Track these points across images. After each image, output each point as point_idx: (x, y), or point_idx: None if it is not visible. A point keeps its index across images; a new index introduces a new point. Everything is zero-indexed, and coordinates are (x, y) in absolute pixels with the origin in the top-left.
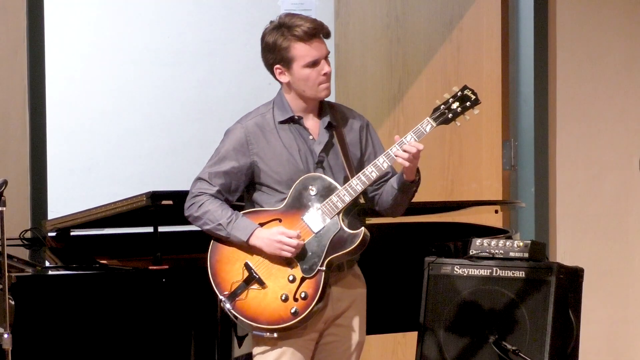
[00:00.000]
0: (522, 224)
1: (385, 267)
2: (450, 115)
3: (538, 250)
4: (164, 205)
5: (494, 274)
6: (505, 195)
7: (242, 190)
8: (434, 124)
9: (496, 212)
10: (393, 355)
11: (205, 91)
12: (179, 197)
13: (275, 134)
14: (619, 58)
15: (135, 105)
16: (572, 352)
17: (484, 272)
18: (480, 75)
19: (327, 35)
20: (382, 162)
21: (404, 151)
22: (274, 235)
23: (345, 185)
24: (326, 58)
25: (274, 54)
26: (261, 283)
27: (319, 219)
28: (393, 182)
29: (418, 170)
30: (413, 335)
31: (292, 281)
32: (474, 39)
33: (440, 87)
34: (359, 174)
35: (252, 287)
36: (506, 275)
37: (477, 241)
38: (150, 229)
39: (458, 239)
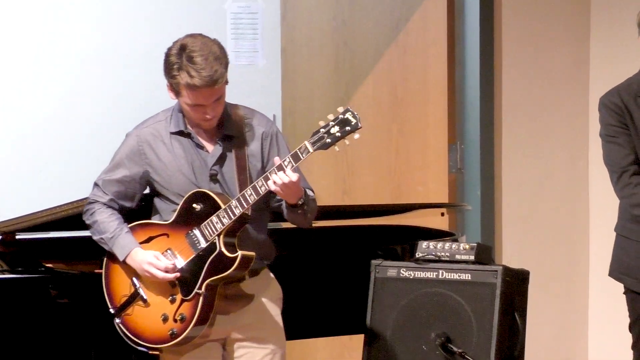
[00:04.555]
0: (468, 227)
1: (332, 270)
2: (328, 140)
3: (484, 252)
4: None
5: (440, 276)
6: (451, 198)
7: (140, 196)
8: (311, 150)
9: (442, 215)
10: (340, 358)
11: (154, 94)
12: None
13: (168, 144)
14: (564, 62)
15: (84, 108)
16: (518, 354)
17: (430, 275)
18: (427, 78)
19: (219, 83)
20: (260, 186)
21: (274, 182)
22: (144, 264)
23: (225, 206)
24: (216, 100)
25: (167, 74)
26: (144, 300)
27: (200, 239)
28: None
29: (306, 192)
30: (360, 338)
31: (173, 302)
32: (420, 43)
33: (387, 90)
34: (239, 195)
35: (137, 303)
36: (452, 277)
37: (424, 244)
38: None
39: (404, 241)
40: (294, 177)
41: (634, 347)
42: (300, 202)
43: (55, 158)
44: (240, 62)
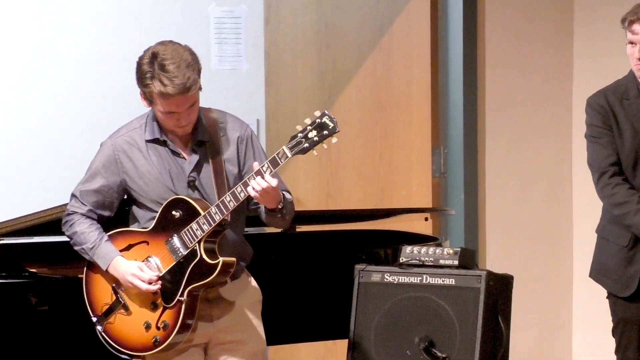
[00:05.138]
0: (451, 231)
1: (316, 275)
2: (306, 145)
3: (468, 257)
4: None
5: (424, 281)
6: (435, 203)
7: (118, 205)
8: (289, 155)
9: (426, 219)
10: None
11: (138, 98)
12: None
13: (144, 152)
14: (547, 65)
15: (70, 112)
16: (501, 359)
17: (414, 280)
18: (410, 81)
19: (192, 90)
20: (239, 192)
21: (253, 188)
22: (127, 275)
23: (205, 213)
24: (190, 107)
25: (140, 83)
26: (126, 308)
27: (180, 246)
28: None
29: (284, 196)
30: (344, 343)
31: (155, 309)
32: (404, 46)
33: (370, 94)
34: (218, 202)
35: (119, 311)
36: (436, 282)
37: (407, 249)
38: None
39: (388, 246)
40: (273, 182)
41: (616, 351)
42: (279, 207)
43: (42, 161)
44: (224, 66)
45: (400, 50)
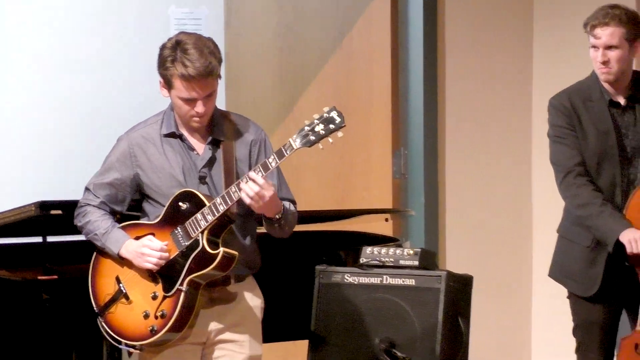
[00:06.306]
0: (412, 232)
1: (276, 276)
2: (312, 138)
3: (428, 258)
4: (53, 215)
5: (385, 282)
6: (395, 204)
7: (130, 200)
8: (295, 146)
9: (386, 220)
10: None
11: (97, 100)
12: (68, 206)
13: (159, 147)
14: (507, 68)
15: (24, 113)
16: (461, 359)
17: (374, 280)
18: (371, 84)
19: (213, 75)
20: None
21: (248, 186)
22: (139, 248)
23: (210, 204)
24: (208, 96)
25: (161, 68)
26: (127, 298)
27: (184, 236)
28: None
29: (285, 208)
30: (304, 344)
31: (154, 298)
32: (364, 49)
33: (331, 96)
34: (224, 192)
35: (120, 301)
36: (396, 283)
37: (368, 249)
38: (39, 239)
39: (349, 247)
40: (260, 180)
41: (577, 350)
42: (277, 217)
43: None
44: None
45: (360, 53)
